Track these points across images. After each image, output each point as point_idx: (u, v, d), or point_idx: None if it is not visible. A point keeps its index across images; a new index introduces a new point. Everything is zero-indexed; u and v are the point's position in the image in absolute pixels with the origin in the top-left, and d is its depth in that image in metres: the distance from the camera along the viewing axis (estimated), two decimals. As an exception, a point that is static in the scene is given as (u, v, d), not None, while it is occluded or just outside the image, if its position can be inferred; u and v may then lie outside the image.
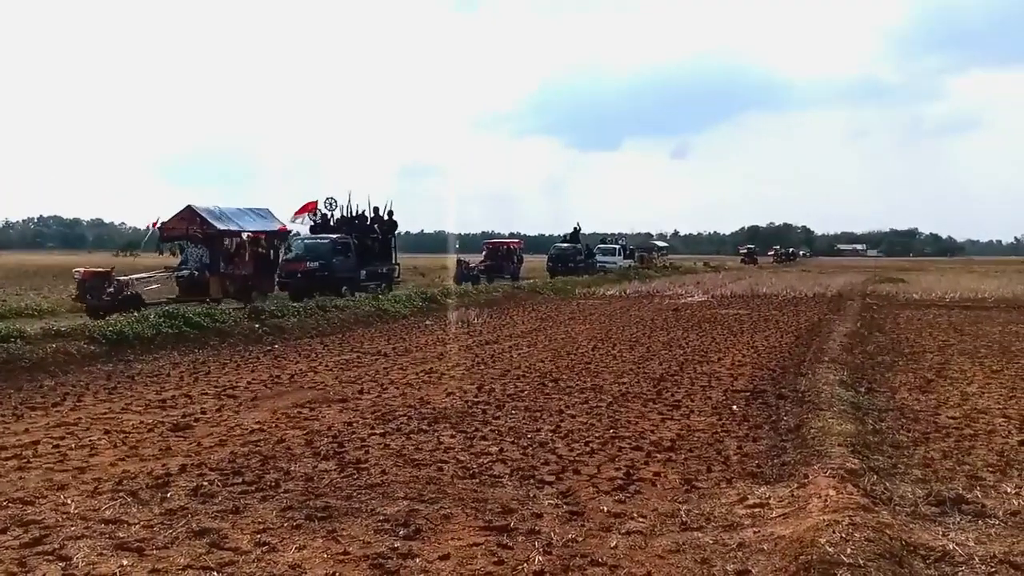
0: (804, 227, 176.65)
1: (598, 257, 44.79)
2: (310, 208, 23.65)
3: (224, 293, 17.97)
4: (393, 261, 24.88)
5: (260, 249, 19.33)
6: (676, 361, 11.28)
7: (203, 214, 18.18)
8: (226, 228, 18.50)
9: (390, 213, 24.83)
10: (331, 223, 23.72)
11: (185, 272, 18.77)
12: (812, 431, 6.67)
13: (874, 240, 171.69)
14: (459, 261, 32.69)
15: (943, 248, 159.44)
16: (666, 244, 78.15)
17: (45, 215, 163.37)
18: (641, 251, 60.35)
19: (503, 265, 34.93)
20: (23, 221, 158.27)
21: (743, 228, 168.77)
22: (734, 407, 8.11)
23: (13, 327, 10.91)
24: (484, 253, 36.58)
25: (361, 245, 22.90)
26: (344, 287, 21.04)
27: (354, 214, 24.23)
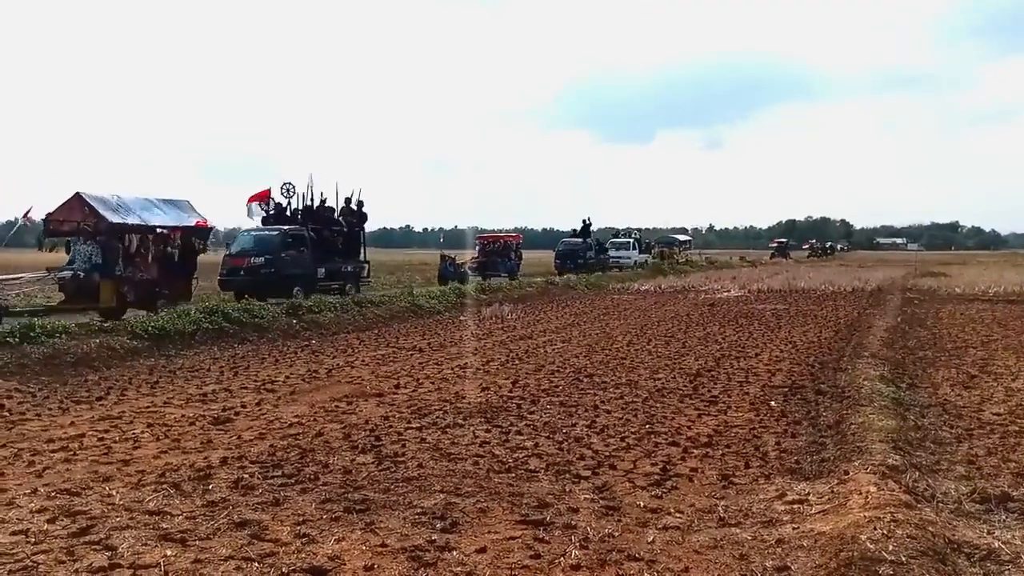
0: (843, 220, 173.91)
1: (610, 252, 42.17)
2: (263, 196, 20.57)
3: (119, 301, 14.38)
4: (362, 258, 21.80)
5: (170, 248, 15.51)
6: (712, 356, 11.20)
7: (93, 203, 14.46)
8: (123, 221, 14.71)
9: (359, 204, 21.80)
10: (287, 213, 20.66)
11: (68, 274, 14.60)
12: (852, 427, 6.57)
13: (914, 234, 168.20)
14: (443, 257, 29.43)
15: (986, 241, 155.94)
16: (689, 238, 71.70)
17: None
18: (661, 245, 56.03)
19: (498, 261, 31.61)
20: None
21: (779, 222, 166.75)
22: (772, 403, 8.03)
23: (59, 323, 11.16)
24: (477, 248, 33.58)
25: (321, 239, 20.01)
26: (296, 287, 18.06)
27: (317, 203, 21.13)
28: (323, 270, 19.57)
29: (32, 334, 10.27)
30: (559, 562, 4.00)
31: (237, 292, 18.13)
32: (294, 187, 20.63)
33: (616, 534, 4.37)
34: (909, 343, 12.65)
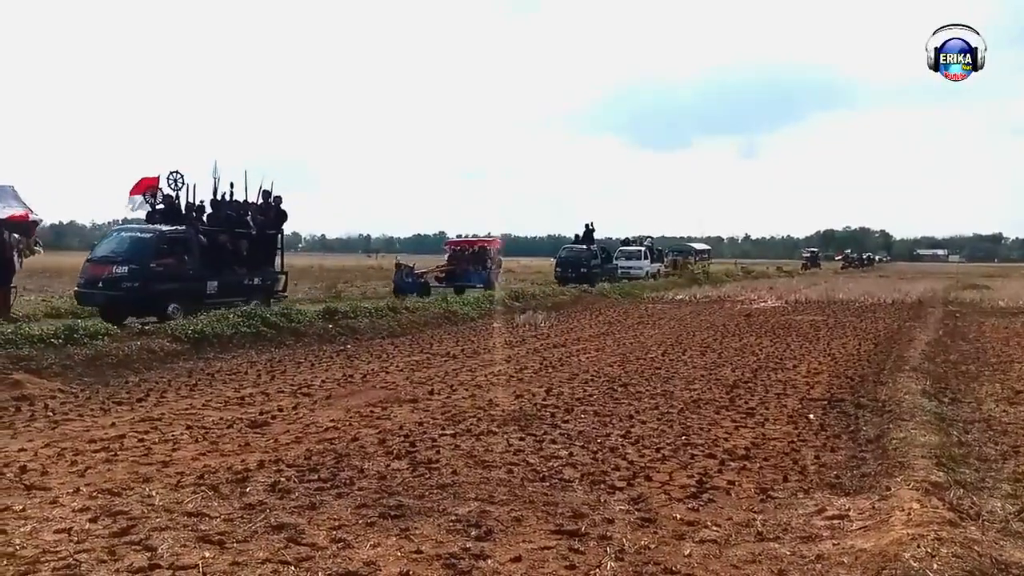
0: (882, 231, 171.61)
1: (619, 262, 38.32)
2: (149, 185, 16.77)
3: None
4: (277, 268, 18.11)
5: None
6: (749, 368, 11.07)
7: None
8: None
9: (277, 200, 17.92)
10: (180, 209, 16.71)
11: None
12: (894, 442, 6.45)
13: (956, 245, 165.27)
14: (399, 266, 26.48)
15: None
16: (707, 247, 66.68)
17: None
18: (674, 254, 52.41)
19: (470, 271, 27.89)
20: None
21: (817, 232, 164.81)
22: (811, 416, 7.90)
23: (102, 325, 11.37)
24: (447, 255, 29.81)
25: (215, 244, 16.23)
26: (171, 305, 14.40)
27: (222, 197, 17.35)
28: (215, 283, 15.79)
29: (76, 336, 10.49)
30: (594, 573, 3.97)
31: (101, 308, 14.72)
32: (182, 176, 16.76)
33: (652, 546, 4.33)
34: (951, 357, 12.39)
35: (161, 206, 16.76)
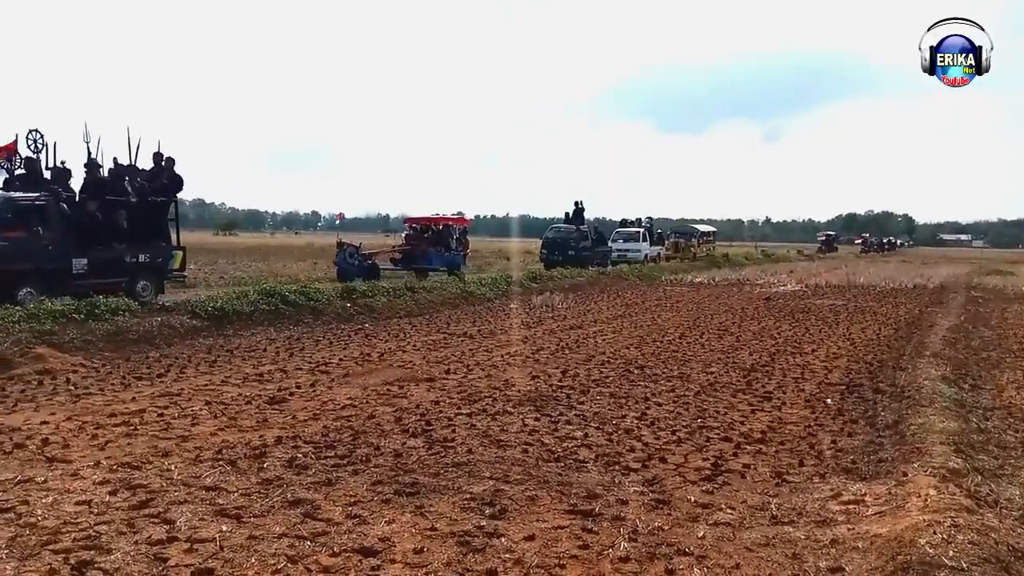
0: (905, 215, 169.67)
1: (615, 244, 35.26)
2: (7, 150, 14.35)
3: None
4: (169, 243, 15.13)
5: None
6: (767, 351, 11.01)
7: None
8: None
9: (169, 163, 14.90)
10: (43, 175, 13.98)
11: None
12: (912, 428, 6.40)
13: (980, 230, 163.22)
14: (341, 245, 22.86)
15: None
16: (712, 229, 63.52)
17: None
18: (678, 236, 49.69)
19: (431, 252, 24.50)
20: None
21: (839, 215, 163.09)
22: (828, 400, 7.86)
23: (123, 302, 11.48)
24: (405, 235, 26.70)
25: (84, 214, 13.58)
26: (24, 289, 12.23)
27: (93, 161, 14.49)
28: (83, 261, 13.25)
29: (97, 311, 10.60)
30: (607, 554, 3.98)
31: None
32: (42, 136, 14.03)
33: (666, 528, 4.33)
34: (972, 343, 12.26)
35: (21, 171, 14.13)
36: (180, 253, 15.20)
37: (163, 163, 14.98)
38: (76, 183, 14.39)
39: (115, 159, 14.83)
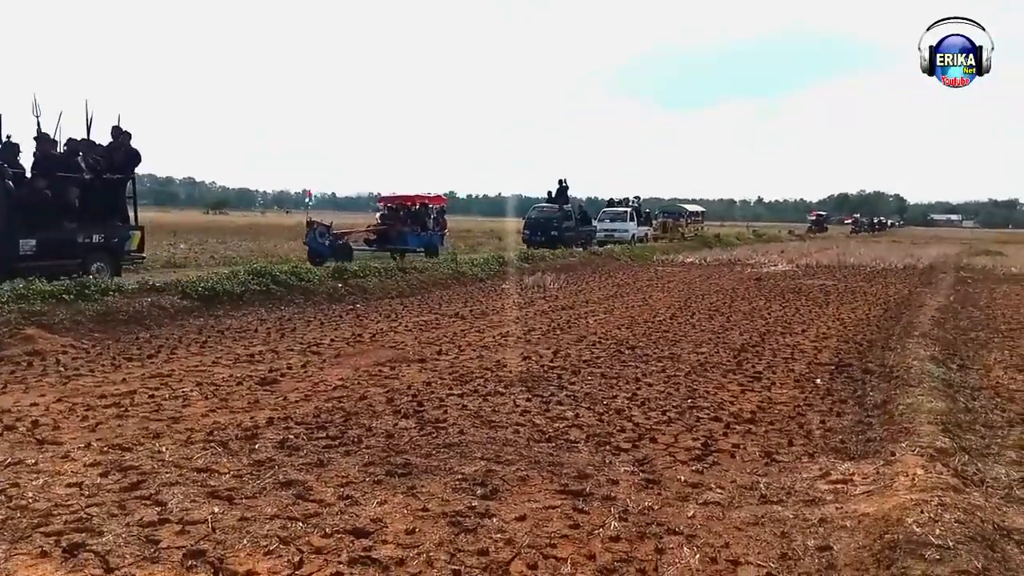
0: (896, 195, 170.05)
1: (601, 224, 34.80)
2: None
3: None
4: (127, 223, 14.33)
5: None
6: (757, 332, 11.06)
7: None
8: None
9: (126, 138, 14.11)
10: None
11: None
12: (900, 407, 6.45)
13: (971, 210, 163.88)
14: (311, 224, 21.83)
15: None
16: (701, 209, 62.68)
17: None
18: (666, 215, 49.57)
19: (407, 233, 23.90)
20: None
21: (831, 195, 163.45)
22: (818, 380, 7.91)
23: (112, 281, 11.41)
24: (379, 215, 26.09)
25: (30, 191, 12.65)
26: None
27: (43, 135, 13.36)
28: (31, 242, 12.40)
29: (87, 291, 10.54)
30: (598, 533, 4.01)
31: None
32: None
33: (656, 507, 4.37)
34: (961, 323, 12.34)
35: None
36: (138, 233, 14.44)
37: (120, 138, 14.09)
38: (26, 160, 13.43)
39: (68, 136, 13.84)
